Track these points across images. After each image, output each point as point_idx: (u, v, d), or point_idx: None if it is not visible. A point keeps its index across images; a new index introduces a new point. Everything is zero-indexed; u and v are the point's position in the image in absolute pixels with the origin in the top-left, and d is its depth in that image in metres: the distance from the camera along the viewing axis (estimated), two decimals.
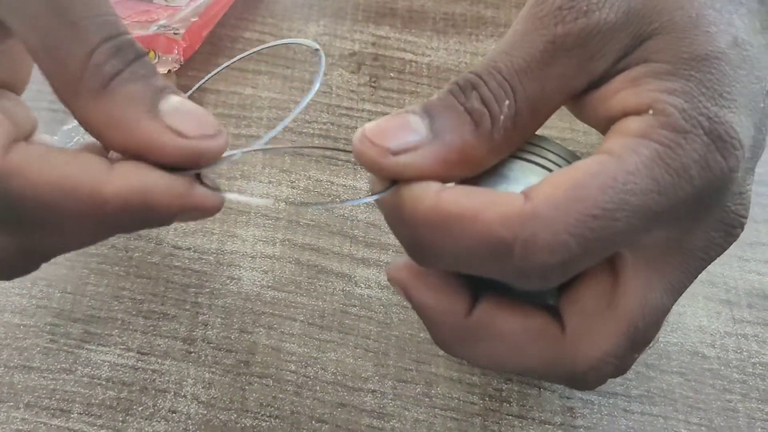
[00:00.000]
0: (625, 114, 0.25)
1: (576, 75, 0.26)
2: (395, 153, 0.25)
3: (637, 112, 0.25)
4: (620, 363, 0.27)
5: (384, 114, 0.47)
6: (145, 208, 0.24)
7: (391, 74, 0.49)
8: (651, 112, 0.24)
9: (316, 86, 0.28)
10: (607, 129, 0.26)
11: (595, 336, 0.26)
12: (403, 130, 0.25)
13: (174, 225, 0.43)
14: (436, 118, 0.25)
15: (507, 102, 0.25)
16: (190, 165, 0.25)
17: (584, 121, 0.28)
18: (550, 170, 0.27)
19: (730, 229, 0.27)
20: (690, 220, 0.25)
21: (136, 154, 0.24)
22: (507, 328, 0.27)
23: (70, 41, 0.24)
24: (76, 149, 0.26)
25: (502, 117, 0.25)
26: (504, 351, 0.27)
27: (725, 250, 0.28)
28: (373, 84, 0.49)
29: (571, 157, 0.28)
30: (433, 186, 0.24)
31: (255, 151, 0.29)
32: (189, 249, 0.43)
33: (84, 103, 0.24)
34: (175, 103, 0.25)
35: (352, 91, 0.49)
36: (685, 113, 0.24)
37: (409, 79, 0.49)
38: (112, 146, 0.25)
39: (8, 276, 0.28)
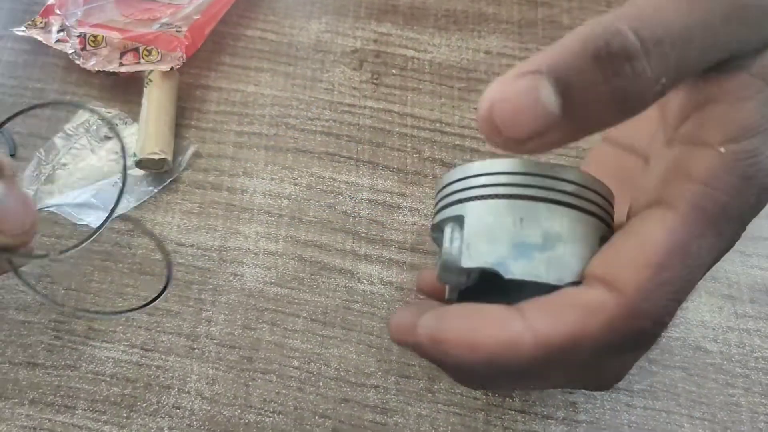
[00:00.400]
0: (698, 141, 0.24)
1: (742, 46, 0.24)
2: (525, 140, 0.23)
3: (711, 144, 0.24)
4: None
5: (386, 111, 0.47)
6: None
7: (393, 71, 0.49)
8: (722, 150, 0.24)
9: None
10: (676, 122, 0.26)
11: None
12: (535, 111, 0.22)
13: (176, 222, 0.43)
14: (571, 92, 0.22)
15: (663, 80, 0.22)
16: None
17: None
18: (585, 210, 0.26)
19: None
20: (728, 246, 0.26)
21: None
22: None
23: None
24: None
25: (652, 95, 0.22)
26: (530, 380, 0.27)
27: None
28: (375, 81, 0.49)
29: (582, 180, 0.27)
30: (517, 327, 0.23)
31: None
32: (192, 246, 0.43)
33: None
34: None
35: (354, 88, 0.49)
36: (755, 158, 0.23)
37: (412, 76, 0.49)
38: None
39: None
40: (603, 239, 0.26)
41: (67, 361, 0.39)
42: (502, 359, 0.23)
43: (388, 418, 0.38)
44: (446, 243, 0.27)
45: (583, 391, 0.38)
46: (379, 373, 0.39)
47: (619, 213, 0.32)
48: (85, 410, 0.38)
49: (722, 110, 0.24)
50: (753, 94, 0.24)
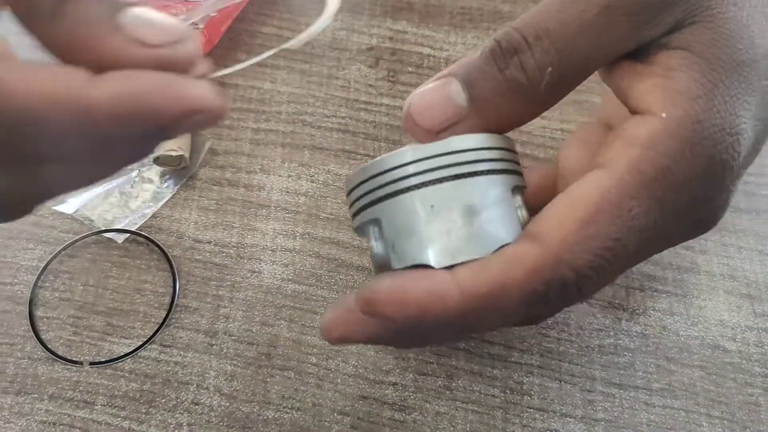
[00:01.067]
0: (643, 110, 0.25)
1: (626, 40, 0.26)
2: (439, 131, 0.26)
3: (653, 111, 0.25)
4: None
5: (402, 109, 0.47)
6: (139, 112, 0.21)
7: (409, 69, 0.49)
8: (664, 115, 0.24)
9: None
10: (623, 101, 0.27)
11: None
12: (445, 105, 0.26)
13: (194, 219, 0.44)
14: (475, 86, 0.26)
15: (549, 69, 0.25)
16: None
17: (606, 82, 0.28)
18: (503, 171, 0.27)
19: (703, 225, 0.28)
20: (677, 221, 0.26)
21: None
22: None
23: None
24: (60, 65, 0.23)
25: (543, 84, 0.25)
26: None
27: (685, 241, 0.29)
28: (391, 78, 0.49)
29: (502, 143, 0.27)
30: (444, 280, 0.24)
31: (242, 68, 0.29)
32: (210, 242, 0.43)
33: (44, 29, 0.22)
34: (135, 13, 0.22)
35: (370, 86, 0.49)
36: (699, 125, 0.24)
37: (427, 74, 0.49)
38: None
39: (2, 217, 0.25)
40: (518, 189, 0.27)
41: (86, 357, 0.39)
42: (432, 311, 0.24)
43: (406, 415, 0.38)
44: (373, 248, 0.27)
45: (601, 389, 0.38)
46: (398, 371, 0.39)
47: None
48: (104, 406, 0.38)
49: (657, 81, 0.25)
50: (680, 63, 0.25)
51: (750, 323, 0.41)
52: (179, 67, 0.23)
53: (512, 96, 0.26)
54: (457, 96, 0.26)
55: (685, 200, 0.25)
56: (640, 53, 0.26)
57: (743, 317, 0.41)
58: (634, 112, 0.26)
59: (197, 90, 0.22)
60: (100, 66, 0.22)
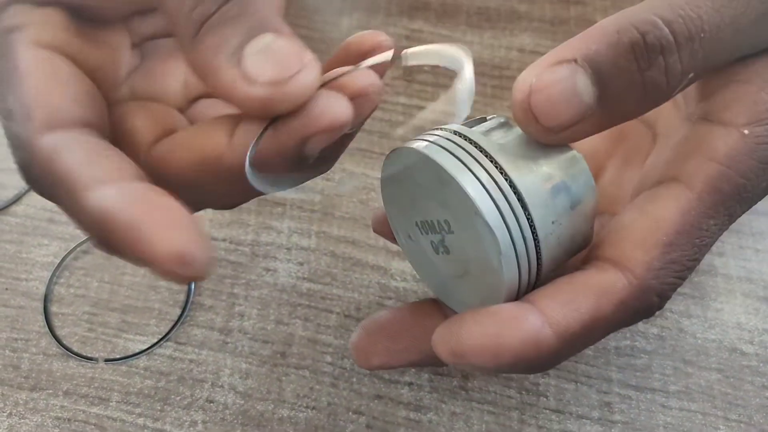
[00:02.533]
0: (725, 121, 0.24)
1: (758, 48, 0.24)
2: (560, 131, 0.24)
3: (735, 124, 0.24)
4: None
5: (418, 108, 0.47)
6: (104, 234, 0.22)
7: (425, 68, 0.49)
8: (746, 132, 0.24)
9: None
10: (701, 97, 0.26)
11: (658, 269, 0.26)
12: (572, 102, 0.23)
13: (209, 216, 0.43)
14: (607, 83, 0.23)
15: (691, 75, 0.23)
16: (264, 113, 0.23)
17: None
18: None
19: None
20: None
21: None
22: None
23: None
24: (208, 122, 0.25)
25: (679, 88, 0.23)
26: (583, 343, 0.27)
27: None
28: (407, 78, 0.49)
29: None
30: (535, 323, 0.23)
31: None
32: (224, 240, 0.43)
33: (186, 53, 0.23)
34: (263, 43, 0.22)
35: (386, 85, 0.48)
36: None
37: (444, 73, 0.49)
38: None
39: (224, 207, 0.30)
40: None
41: (101, 353, 0.39)
42: (526, 358, 0.23)
43: (422, 415, 0.38)
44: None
45: (618, 390, 0.38)
46: (413, 370, 0.39)
47: (613, 172, 0.32)
48: (118, 402, 0.38)
49: (749, 91, 0.24)
50: None
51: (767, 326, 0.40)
52: (281, 106, 0.23)
53: (645, 98, 0.23)
54: (585, 91, 0.23)
55: (745, 211, 0.25)
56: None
57: (761, 320, 0.41)
58: (712, 114, 0.25)
59: (157, 247, 0.21)
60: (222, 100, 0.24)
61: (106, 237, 0.21)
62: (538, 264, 0.25)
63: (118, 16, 0.28)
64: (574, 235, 0.25)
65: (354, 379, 0.39)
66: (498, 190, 0.24)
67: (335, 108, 0.23)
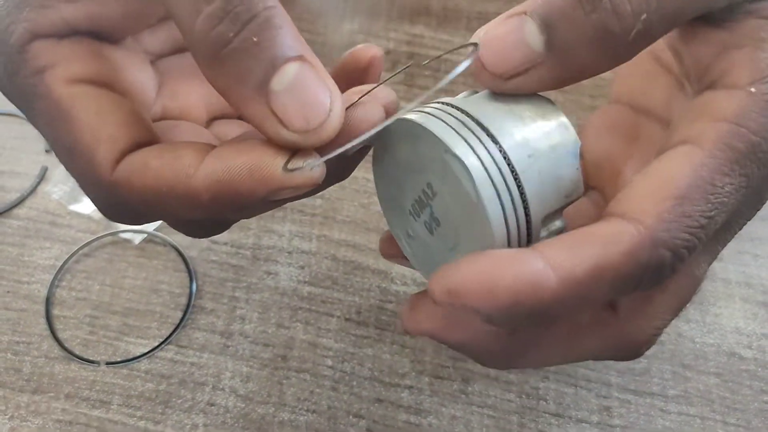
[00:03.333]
0: (729, 84, 0.24)
1: None
2: (509, 78, 0.24)
3: (740, 85, 0.24)
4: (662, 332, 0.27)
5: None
6: (233, 195, 0.24)
7: (426, 72, 0.49)
8: (753, 90, 0.23)
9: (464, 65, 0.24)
10: (695, 73, 0.26)
11: (648, 316, 0.26)
12: (519, 48, 0.23)
13: None
14: (554, 30, 0.23)
15: (644, 16, 0.23)
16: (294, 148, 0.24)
17: (681, 51, 0.27)
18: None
19: (756, 208, 0.27)
20: (750, 205, 0.25)
21: None
22: (556, 331, 0.26)
23: (176, 4, 0.23)
24: (176, 145, 0.26)
25: (633, 32, 0.23)
26: (558, 349, 0.27)
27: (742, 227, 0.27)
28: (408, 82, 0.49)
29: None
30: (537, 265, 0.21)
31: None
32: (226, 243, 0.43)
33: (204, 71, 0.23)
34: (287, 80, 0.22)
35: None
36: None
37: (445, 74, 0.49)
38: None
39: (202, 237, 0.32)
40: None
41: (102, 356, 0.39)
42: (525, 301, 0.21)
43: (422, 419, 0.38)
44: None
45: (617, 395, 0.38)
46: (413, 374, 0.39)
47: (627, 173, 0.32)
48: (120, 405, 0.38)
49: (746, 53, 0.24)
50: None
51: (766, 331, 0.41)
52: (307, 149, 0.24)
53: (597, 44, 0.23)
54: (533, 39, 0.23)
55: (764, 177, 0.24)
56: (724, 18, 0.24)
57: (759, 325, 0.41)
58: (712, 85, 0.25)
59: (279, 172, 0.23)
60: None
61: (232, 198, 0.23)
62: (523, 198, 0.24)
63: (131, 32, 0.29)
64: (559, 175, 0.24)
65: (354, 383, 0.39)
66: (463, 126, 0.23)
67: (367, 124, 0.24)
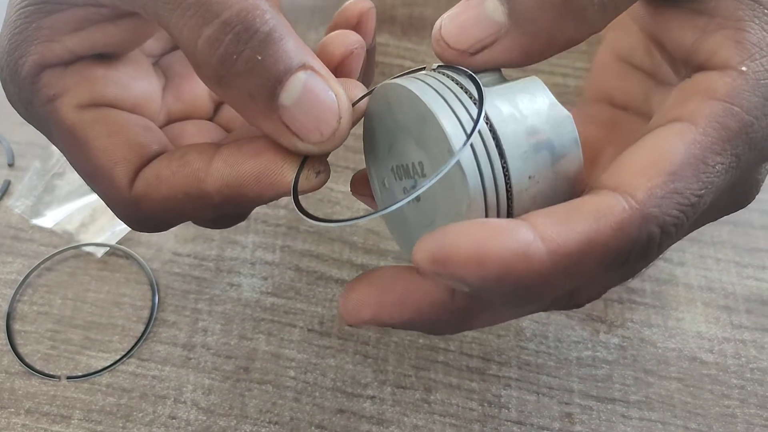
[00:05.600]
0: (718, 65, 0.24)
1: None
2: (474, 53, 0.24)
3: (731, 65, 0.23)
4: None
5: None
6: (242, 198, 0.25)
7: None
8: (744, 68, 0.23)
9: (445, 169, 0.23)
10: (681, 58, 0.26)
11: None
12: (480, 23, 0.24)
13: (173, 231, 0.44)
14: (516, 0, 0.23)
15: None
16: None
17: (658, 37, 0.27)
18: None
19: (742, 200, 0.27)
20: (738, 186, 0.25)
21: None
22: None
23: (178, 25, 0.23)
24: (183, 150, 0.27)
25: (607, 5, 0.23)
26: (509, 309, 0.26)
27: (722, 216, 0.27)
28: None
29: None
30: (527, 236, 0.21)
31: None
32: (189, 255, 0.43)
33: (211, 87, 0.24)
34: (296, 94, 0.23)
35: None
36: None
37: None
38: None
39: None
40: None
41: (63, 371, 0.39)
42: (514, 272, 0.21)
43: (384, 428, 0.38)
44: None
45: (578, 401, 0.38)
46: (375, 384, 0.39)
47: (604, 159, 0.31)
48: (80, 420, 0.38)
49: (729, 33, 0.24)
50: (750, 14, 0.24)
51: (727, 335, 0.41)
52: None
53: (559, 12, 0.23)
54: (494, 11, 0.23)
55: (753, 161, 0.24)
56: (695, 1, 0.25)
57: (720, 329, 0.41)
58: (702, 67, 0.25)
59: (291, 177, 0.24)
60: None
61: (241, 199, 0.25)
62: (509, 215, 0.24)
63: (133, 48, 0.30)
64: (554, 197, 0.24)
65: (317, 394, 0.39)
66: (477, 132, 0.23)
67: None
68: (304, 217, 0.24)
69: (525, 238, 0.21)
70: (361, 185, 0.31)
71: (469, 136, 0.22)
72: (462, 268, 0.20)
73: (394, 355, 0.40)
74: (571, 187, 0.24)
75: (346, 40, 0.27)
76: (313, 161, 0.25)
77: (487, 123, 0.23)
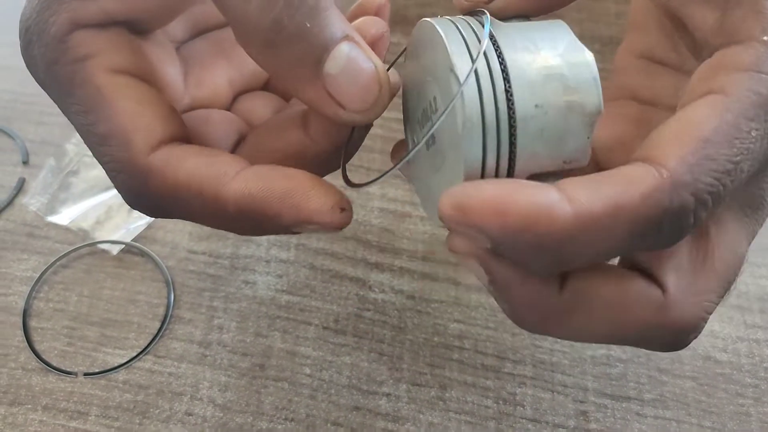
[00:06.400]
0: (741, 39, 0.24)
1: None
2: (488, 1, 0.25)
3: (753, 37, 0.23)
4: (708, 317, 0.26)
5: (397, 120, 0.48)
6: (258, 215, 0.24)
7: None
8: (766, 38, 0.23)
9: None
10: (703, 38, 0.26)
11: (696, 294, 0.25)
12: None
13: (188, 229, 0.44)
14: None
15: None
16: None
17: (680, 15, 0.27)
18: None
19: None
20: None
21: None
22: (606, 296, 0.25)
23: None
24: (217, 151, 0.27)
25: None
26: (603, 321, 0.25)
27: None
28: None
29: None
30: (553, 195, 0.21)
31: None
32: (204, 253, 0.43)
33: (256, 56, 0.24)
34: (341, 62, 0.24)
35: None
36: None
37: None
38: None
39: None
40: None
41: (80, 368, 0.39)
42: (536, 228, 0.20)
43: (399, 426, 0.38)
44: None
45: (593, 399, 0.39)
46: (391, 381, 0.39)
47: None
48: (97, 416, 0.38)
49: (748, 9, 0.24)
50: None
51: (741, 334, 0.41)
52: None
53: None
54: None
55: None
56: None
57: (734, 328, 0.41)
58: (725, 44, 0.24)
59: (315, 205, 0.24)
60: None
61: (257, 216, 0.24)
62: (511, 150, 0.23)
63: (165, 22, 0.30)
64: (564, 135, 0.23)
65: (332, 391, 0.39)
66: (482, 54, 0.23)
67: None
68: (347, 185, 0.26)
69: (551, 196, 0.21)
70: (398, 151, 0.32)
71: (473, 58, 0.22)
72: (483, 217, 0.21)
73: (409, 353, 0.40)
74: (587, 127, 0.24)
75: (378, 24, 0.28)
76: (341, 198, 0.25)
77: (496, 50, 0.23)
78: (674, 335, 0.26)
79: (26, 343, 0.40)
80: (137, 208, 0.28)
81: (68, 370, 0.39)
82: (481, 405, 0.39)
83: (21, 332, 0.40)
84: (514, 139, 0.23)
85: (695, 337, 0.26)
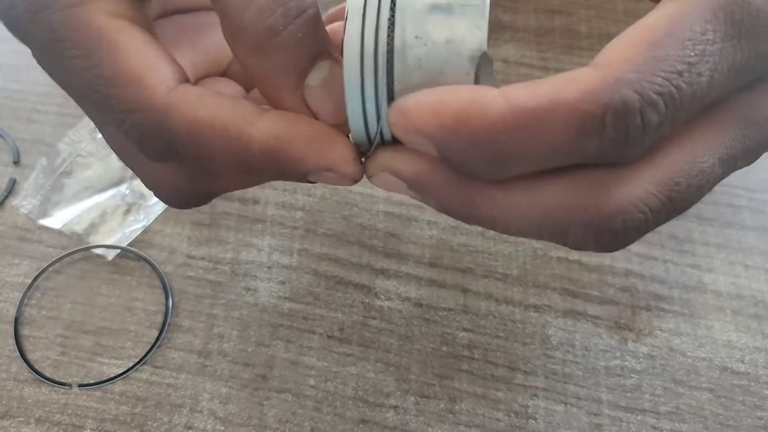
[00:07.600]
0: None
1: None
2: None
3: None
4: (651, 217, 0.24)
5: None
6: (282, 155, 0.24)
7: None
8: None
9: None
10: None
11: (628, 180, 0.23)
12: None
13: (187, 232, 0.42)
14: None
15: None
16: None
17: None
18: None
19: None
20: (754, 64, 0.23)
21: None
22: (545, 186, 0.24)
23: None
24: (234, 96, 0.26)
25: None
26: (520, 197, 0.24)
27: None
28: None
29: None
30: (489, 92, 0.21)
31: None
32: (203, 258, 0.42)
33: (240, 55, 0.24)
34: (322, 76, 0.24)
35: None
36: None
37: None
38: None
39: (181, 206, 0.30)
40: None
41: (74, 378, 0.38)
42: (470, 123, 0.21)
43: None
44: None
45: (608, 413, 0.37)
46: (398, 393, 0.38)
47: None
48: (93, 430, 0.36)
49: None
50: None
51: (758, 344, 0.40)
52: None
53: None
54: None
55: (761, 33, 0.22)
56: None
57: (751, 338, 0.40)
58: None
59: (339, 153, 0.24)
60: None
61: (281, 157, 0.24)
62: (389, 78, 0.23)
63: None
64: (444, 68, 0.23)
65: (338, 403, 0.37)
66: None
67: None
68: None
69: (486, 92, 0.21)
70: None
71: None
72: (421, 118, 0.22)
73: (417, 364, 0.39)
74: (467, 63, 0.23)
75: None
76: (358, 153, 0.25)
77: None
78: (596, 220, 0.23)
79: (18, 353, 0.38)
80: (148, 147, 0.26)
81: (62, 381, 0.37)
82: (492, 418, 0.37)
83: (12, 341, 0.38)
84: (391, 66, 0.23)
85: (625, 232, 0.24)
